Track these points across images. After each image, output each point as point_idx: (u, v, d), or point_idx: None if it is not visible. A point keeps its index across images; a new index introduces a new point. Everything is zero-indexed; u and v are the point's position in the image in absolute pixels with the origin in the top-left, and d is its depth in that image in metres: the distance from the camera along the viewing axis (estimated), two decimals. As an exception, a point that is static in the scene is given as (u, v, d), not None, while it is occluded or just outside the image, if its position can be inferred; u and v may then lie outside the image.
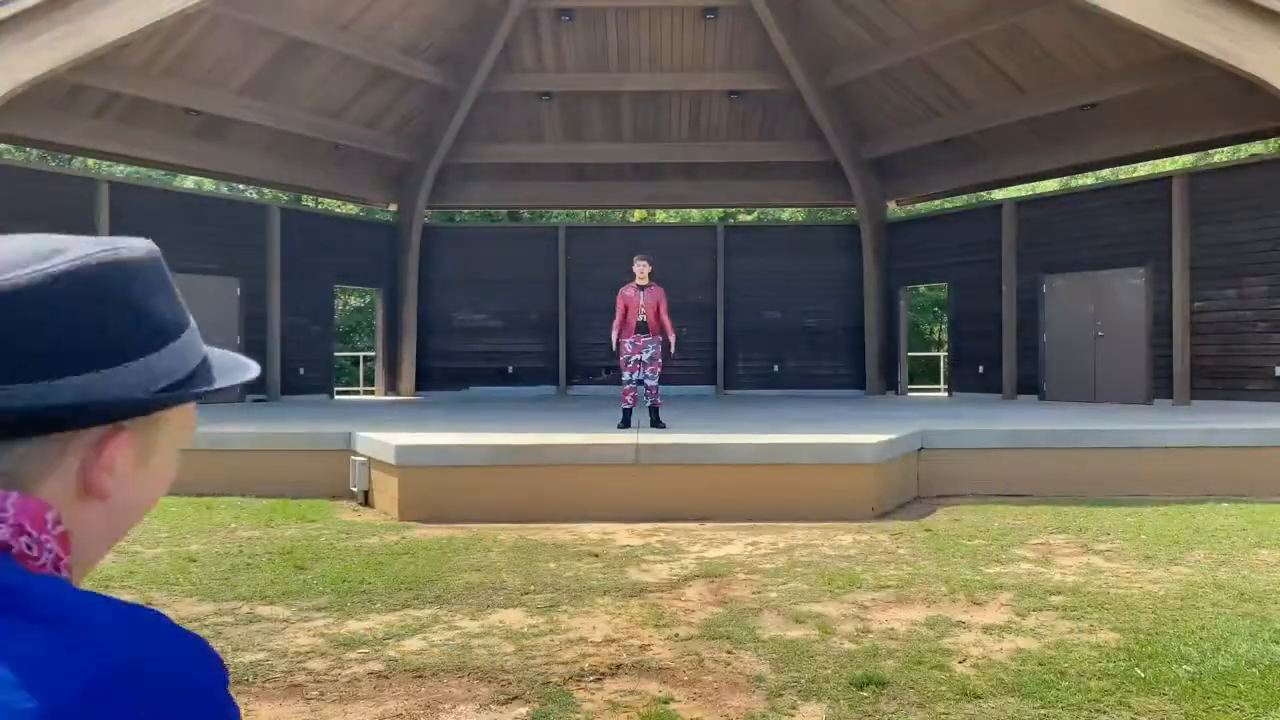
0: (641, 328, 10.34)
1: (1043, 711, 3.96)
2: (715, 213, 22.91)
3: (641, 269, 10.49)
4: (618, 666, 4.54)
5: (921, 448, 9.04)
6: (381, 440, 8.65)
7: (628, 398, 10.42)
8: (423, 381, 17.98)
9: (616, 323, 10.27)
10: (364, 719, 4.09)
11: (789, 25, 16.26)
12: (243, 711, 4.12)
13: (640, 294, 10.38)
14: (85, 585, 0.67)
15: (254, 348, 15.82)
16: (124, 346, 0.69)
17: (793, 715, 4.01)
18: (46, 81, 11.46)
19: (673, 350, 10.41)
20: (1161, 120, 13.91)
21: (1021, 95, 14.98)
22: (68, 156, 19.82)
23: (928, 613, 5.41)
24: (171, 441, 0.77)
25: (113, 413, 0.68)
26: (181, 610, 5.45)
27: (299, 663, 4.57)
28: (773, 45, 16.49)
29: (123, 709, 0.56)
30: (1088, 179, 18.50)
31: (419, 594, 5.81)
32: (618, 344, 10.22)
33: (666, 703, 4.07)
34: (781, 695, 4.24)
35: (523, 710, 4.08)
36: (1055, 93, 14.49)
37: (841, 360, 18.20)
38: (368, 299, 25.26)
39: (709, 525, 7.97)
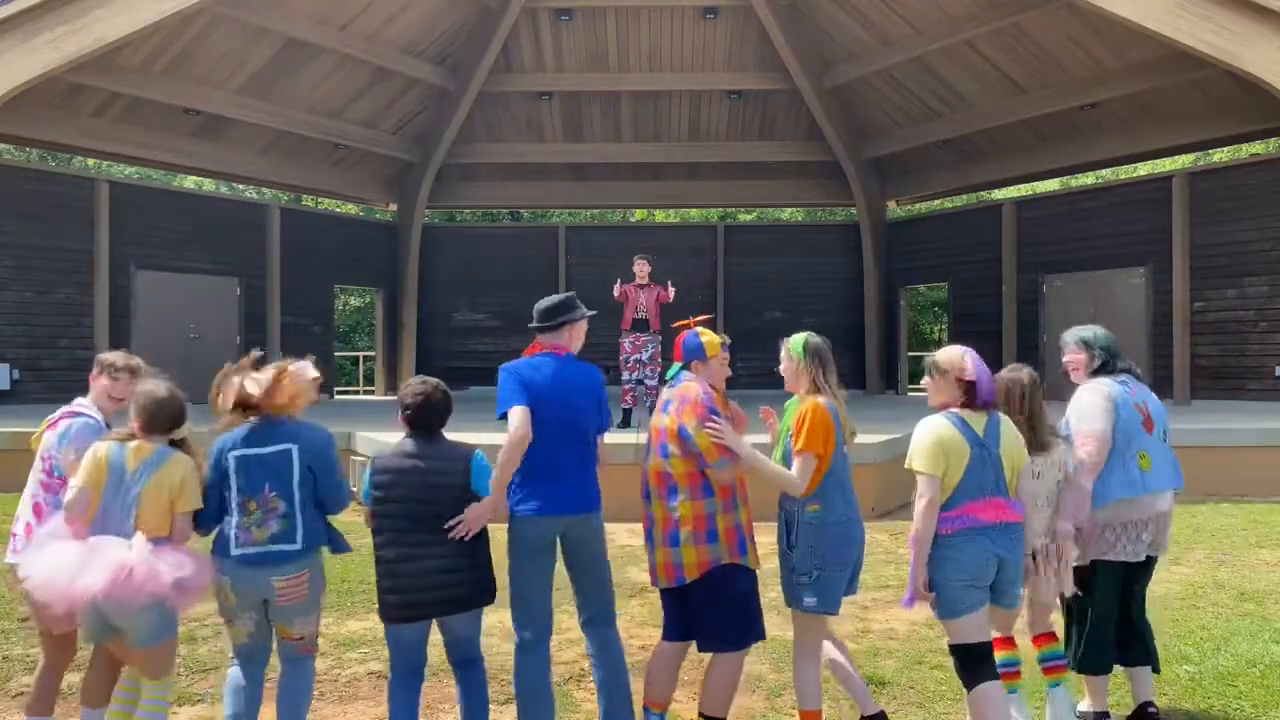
0: (642, 326, 10.36)
1: (1043, 711, 3.96)
2: (715, 213, 22.91)
3: (642, 269, 10.53)
4: (618, 666, 4.53)
5: (921, 448, 9.02)
6: (382, 440, 8.64)
7: (627, 397, 10.44)
8: (423, 382, 17.99)
9: (618, 295, 10.47)
10: (364, 719, 4.09)
11: (789, 25, 16.25)
12: (243, 711, 4.11)
13: (640, 293, 10.42)
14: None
15: (254, 347, 15.79)
16: None
17: (793, 715, 4.01)
18: (46, 81, 11.47)
19: (671, 296, 10.53)
20: (1161, 120, 13.91)
21: (1021, 95, 14.97)
22: (68, 156, 19.81)
23: (928, 613, 5.40)
24: None
25: None
26: (181, 610, 5.45)
27: (299, 663, 4.57)
28: (773, 45, 16.47)
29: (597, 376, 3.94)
30: (1088, 179, 18.49)
31: (419, 594, 5.80)
32: (623, 295, 10.40)
33: (666, 703, 4.05)
34: (781, 695, 4.23)
35: (523, 710, 4.07)
36: (1055, 93, 14.48)
37: (841, 360, 17.97)
38: (368, 299, 25.26)
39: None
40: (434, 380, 3.77)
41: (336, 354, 19.26)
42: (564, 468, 3.72)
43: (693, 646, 3.70)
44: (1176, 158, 16.21)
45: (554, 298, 4.10)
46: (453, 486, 3.55)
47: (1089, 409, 3.97)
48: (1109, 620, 3.88)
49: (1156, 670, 3.97)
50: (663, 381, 4.15)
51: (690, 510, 3.60)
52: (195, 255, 14.97)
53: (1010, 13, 13.67)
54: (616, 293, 10.50)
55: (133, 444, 3.53)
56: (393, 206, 18.76)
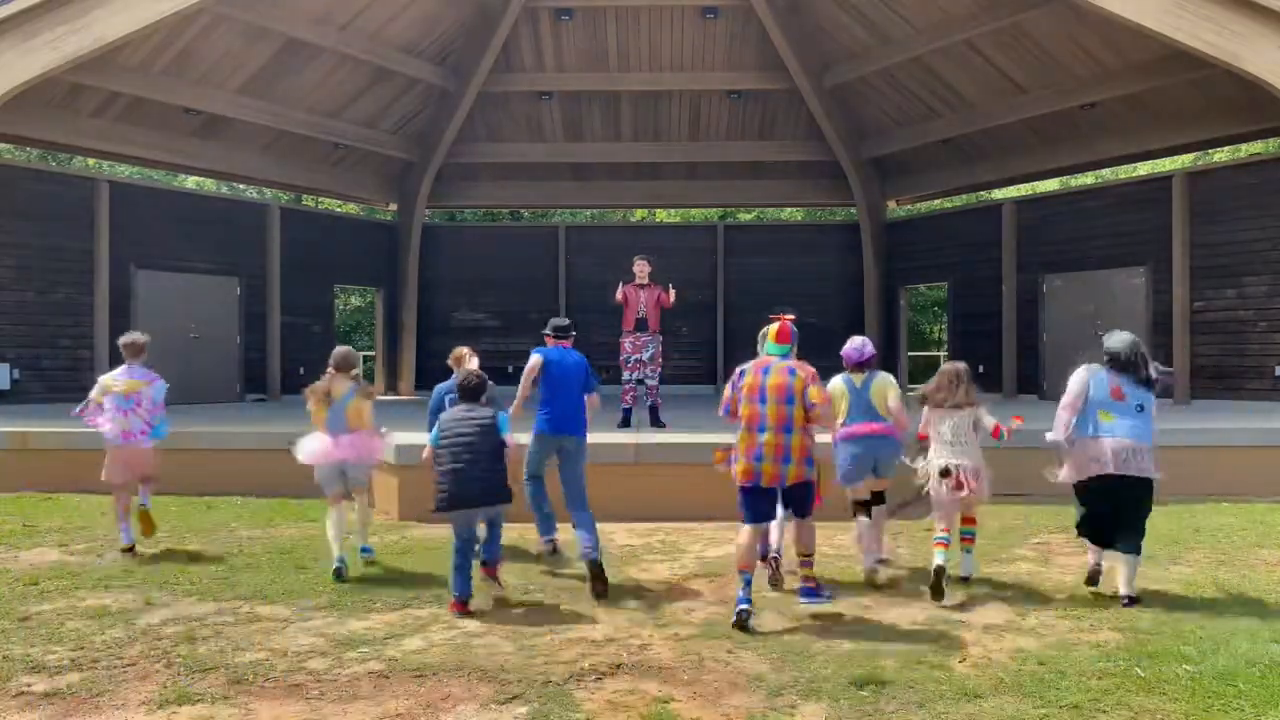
0: (641, 325, 10.35)
1: (1043, 711, 3.96)
2: (715, 212, 22.90)
3: (641, 268, 10.52)
4: (618, 666, 4.54)
5: (921, 447, 9.02)
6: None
7: (627, 397, 10.43)
8: (423, 381, 17.94)
9: (619, 297, 10.45)
10: (364, 719, 4.09)
11: (789, 25, 16.24)
12: (243, 712, 4.12)
13: (640, 292, 10.42)
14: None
15: (254, 347, 15.82)
16: None
17: (793, 715, 4.01)
18: (46, 81, 11.46)
19: (671, 300, 10.53)
20: (1161, 120, 13.90)
21: (1021, 95, 14.96)
22: (68, 156, 19.79)
23: (928, 612, 5.41)
24: None
25: None
26: (182, 610, 5.45)
27: (299, 662, 4.57)
28: (773, 45, 16.46)
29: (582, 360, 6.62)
30: (1088, 179, 18.48)
31: (419, 593, 5.81)
32: (624, 296, 10.40)
33: (666, 702, 4.06)
34: (781, 695, 4.23)
35: (523, 710, 4.08)
36: (1055, 93, 14.47)
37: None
38: (368, 299, 25.25)
39: (709, 525, 7.96)
40: (477, 371, 6.26)
41: (336, 354, 19.26)
42: (567, 413, 6.40)
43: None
44: (1176, 158, 16.19)
45: (565, 320, 6.94)
46: (486, 427, 5.71)
47: (1070, 381, 5.91)
48: (1093, 512, 5.79)
49: (1136, 553, 5.63)
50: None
51: (801, 442, 5.42)
52: (195, 255, 14.95)
53: (1010, 13, 13.66)
54: (618, 296, 10.47)
55: (335, 379, 6.48)
56: (393, 206, 18.75)
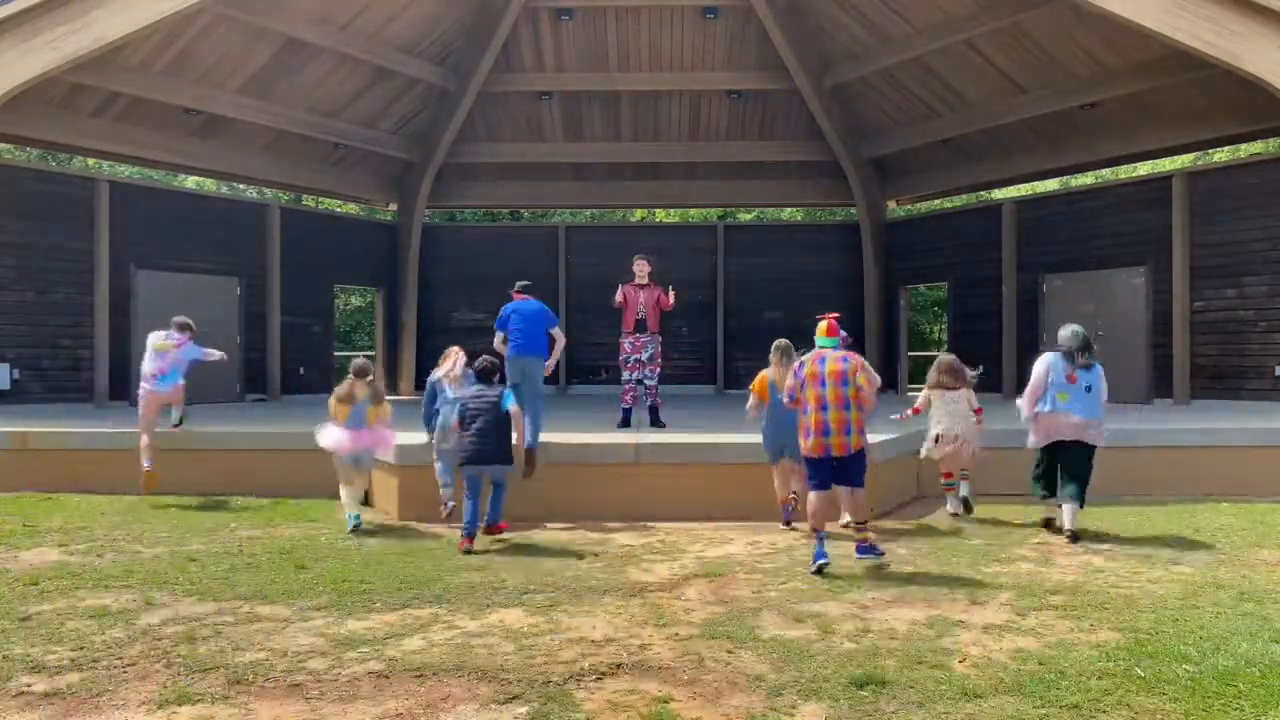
0: (641, 326, 10.34)
1: (1042, 711, 3.96)
2: (715, 212, 22.89)
3: (641, 268, 10.52)
4: (618, 666, 4.54)
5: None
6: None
7: (627, 397, 10.43)
8: (423, 381, 17.91)
9: (618, 300, 10.47)
10: (364, 718, 4.09)
11: (789, 25, 16.24)
12: (243, 712, 4.12)
13: (640, 293, 10.41)
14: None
15: (254, 347, 15.82)
16: None
17: (792, 715, 4.01)
18: (46, 81, 11.46)
19: (671, 302, 10.53)
20: (1161, 120, 13.90)
21: (1021, 95, 14.95)
22: (68, 156, 19.78)
23: (928, 612, 5.40)
24: None
25: None
26: (182, 610, 5.45)
27: (299, 662, 4.58)
28: (773, 45, 16.46)
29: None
30: (1088, 179, 18.47)
31: (419, 593, 5.81)
32: (623, 298, 10.40)
33: (666, 702, 4.07)
34: (781, 695, 4.24)
35: (523, 710, 4.08)
36: (1055, 93, 14.47)
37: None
38: (368, 299, 25.26)
39: (709, 525, 7.96)
40: (490, 358, 7.74)
41: (336, 354, 19.23)
42: (528, 341, 8.57)
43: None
44: (1176, 158, 16.19)
45: (527, 282, 9.23)
46: (496, 404, 7.40)
47: (1034, 367, 7.53)
48: (1048, 472, 7.57)
49: (1080, 505, 7.32)
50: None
51: (857, 416, 6.54)
52: (195, 255, 14.95)
53: (1010, 13, 13.66)
54: (617, 298, 10.46)
55: (355, 384, 7.87)
56: (393, 206, 18.74)
